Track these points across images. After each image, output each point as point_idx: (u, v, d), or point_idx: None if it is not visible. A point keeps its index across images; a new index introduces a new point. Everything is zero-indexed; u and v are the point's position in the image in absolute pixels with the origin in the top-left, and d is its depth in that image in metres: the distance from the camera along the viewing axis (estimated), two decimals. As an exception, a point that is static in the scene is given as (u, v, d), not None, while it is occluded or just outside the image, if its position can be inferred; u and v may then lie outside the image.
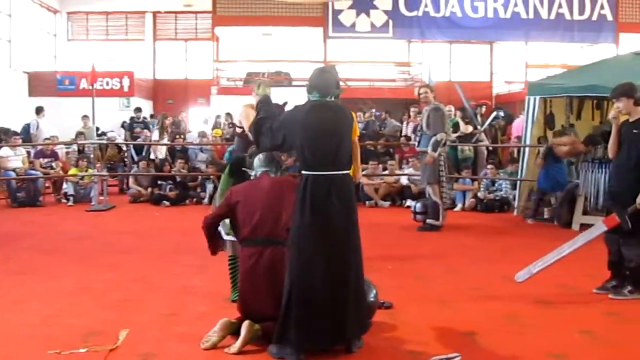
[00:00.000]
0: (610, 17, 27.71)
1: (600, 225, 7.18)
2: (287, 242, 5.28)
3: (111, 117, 21.96)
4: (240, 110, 7.95)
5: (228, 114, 21.47)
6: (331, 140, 5.19)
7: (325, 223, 5.09)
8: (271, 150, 5.66)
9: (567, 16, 27.73)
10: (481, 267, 8.64)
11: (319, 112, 5.30)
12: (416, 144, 11.99)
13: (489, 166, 14.60)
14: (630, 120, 7.05)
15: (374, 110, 20.67)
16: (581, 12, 27.69)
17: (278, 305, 5.20)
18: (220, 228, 6.34)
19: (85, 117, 17.92)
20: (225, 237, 6.34)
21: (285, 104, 7.41)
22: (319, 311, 5.03)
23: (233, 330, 5.38)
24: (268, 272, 5.36)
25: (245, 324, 5.28)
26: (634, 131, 6.93)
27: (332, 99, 5.42)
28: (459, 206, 14.23)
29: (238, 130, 8.09)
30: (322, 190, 5.11)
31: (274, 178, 5.73)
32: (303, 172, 5.19)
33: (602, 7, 27.67)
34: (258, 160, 5.86)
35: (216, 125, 21.03)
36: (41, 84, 25.52)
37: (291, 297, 5.06)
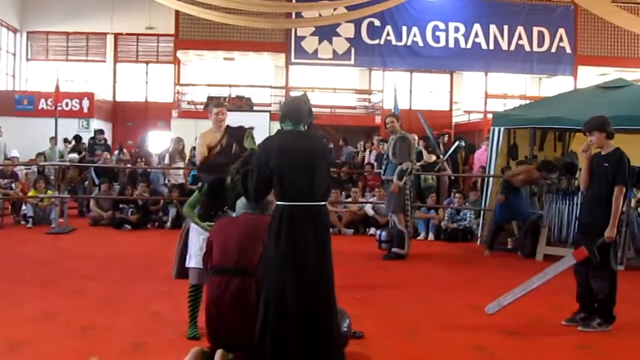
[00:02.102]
0: (569, 50, 28.12)
1: (569, 258, 7.23)
2: (256, 272, 5.22)
3: (70, 138, 21.65)
4: (198, 140, 7.90)
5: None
6: (307, 170, 5.12)
7: (299, 256, 5.01)
8: (261, 190, 5.39)
9: (527, 48, 28.09)
10: (448, 296, 8.64)
11: (292, 141, 5.25)
12: (382, 172, 12.01)
13: (457, 195, 14.65)
14: (602, 153, 7.16)
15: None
16: (540, 44, 28.08)
17: (245, 334, 5.15)
18: (188, 256, 6.30)
19: (52, 138, 17.61)
20: (188, 264, 6.29)
21: (251, 129, 7.39)
22: (289, 345, 4.96)
23: (206, 359, 5.30)
24: (235, 302, 5.28)
25: (218, 353, 5.21)
26: (605, 164, 7.03)
27: (305, 127, 5.37)
28: (422, 235, 14.23)
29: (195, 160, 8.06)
30: (298, 222, 5.03)
31: (253, 216, 5.67)
32: (278, 202, 5.11)
33: (561, 40, 28.08)
34: (241, 202, 5.79)
35: (177, 149, 20.85)
36: (-1, 104, 25.20)
37: (264, 329, 4.99)
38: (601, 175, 7.06)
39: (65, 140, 20.39)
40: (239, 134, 7.57)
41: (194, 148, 19.18)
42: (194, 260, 6.25)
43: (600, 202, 7.03)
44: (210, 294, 5.48)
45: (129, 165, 17.69)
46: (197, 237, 6.29)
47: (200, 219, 6.30)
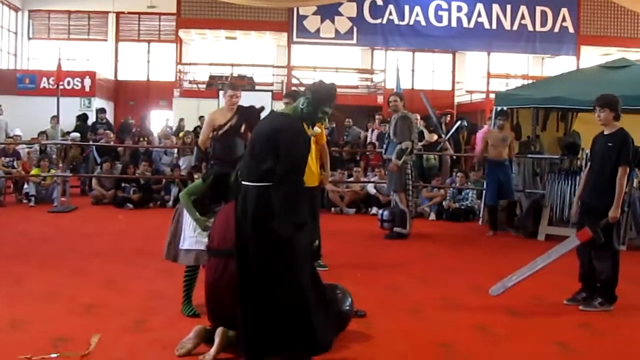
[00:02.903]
0: (571, 30, 28.07)
1: (573, 239, 7.23)
2: None
3: (72, 117, 21.63)
4: (206, 119, 7.91)
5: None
6: (251, 150, 5.05)
7: (237, 235, 5.04)
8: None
9: (530, 27, 28.06)
10: (450, 276, 8.65)
11: (261, 122, 5.33)
12: (383, 151, 11.99)
13: (459, 174, 14.64)
14: (605, 133, 7.13)
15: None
16: (543, 24, 28.02)
17: None
18: (182, 238, 6.30)
19: (54, 117, 17.56)
20: (181, 246, 6.29)
21: (262, 109, 7.39)
22: (242, 322, 5.01)
23: (207, 337, 5.33)
24: (233, 284, 5.26)
25: (218, 331, 5.22)
26: (609, 144, 7.01)
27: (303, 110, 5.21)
28: (433, 215, 14.23)
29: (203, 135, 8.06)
30: (239, 200, 5.06)
31: None
32: None
33: (564, 20, 28.03)
34: None
35: (180, 129, 20.89)
36: (1, 82, 25.13)
37: None
38: (604, 155, 7.04)
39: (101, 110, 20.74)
40: (250, 115, 7.59)
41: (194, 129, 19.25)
42: (187, 242, 6.25)
43: (604, 183, 7.00)
44: (209, 276, 5.52)
45: (131, 144, 17.63)
46: (190, 219, 6.29)
47: (195, 207, 6.30)
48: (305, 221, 4.84)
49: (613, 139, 7.02)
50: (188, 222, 6.31)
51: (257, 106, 7.75)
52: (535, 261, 7.37)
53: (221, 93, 7.81)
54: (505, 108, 12.55)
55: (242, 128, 7.48)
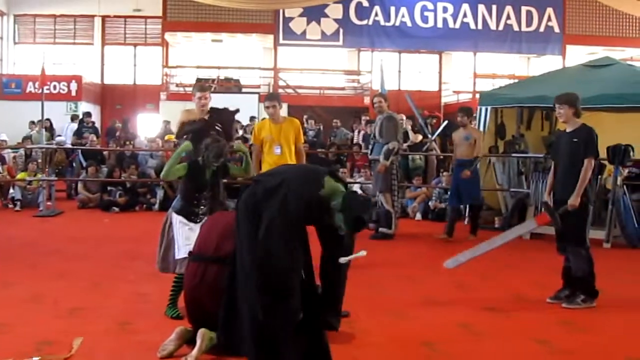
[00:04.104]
0: (557, 29, 28.14)
1: (531, 222, 7.37)
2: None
3: (58, 121, 21.60)
4: (181, 116, 7.90)
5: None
6: None
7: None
8: None
9: (515, 27, 28.11)
10: (434, 275, 8.66)
11: None
12: (369, 152, 12.02)
13: (445, 173, 14.67)
14: (568, 130, 7.28)
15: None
16: (529, 24, 28.09)
17: None
18: (176, 248, 6.32)
19: (37, 122, 17.51)
20: (178, 256, 6.30)
21: (236, 111, 7.39)
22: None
23: (189, 338, 5.34)
24: (212, 290, 5.32)
25: (200, 332, 5.23)
26: (574, 139, 7.09)
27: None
28: (419, 215, 14.24)
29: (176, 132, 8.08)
30: None
31: None
32: None
33: (549, 19, 28.10)
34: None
35: (166, 132, 20.84)
36: (-14, 87, 25.11)
37: None
38: (572, 151, 7.13)
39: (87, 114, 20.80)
40: (223, 116, 7.56)
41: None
42: (182, 251, 6.25)
43: (573, 177, 7.07)
44: (188, 281, 5.56)
45: (116, 148, 17.60)
46: (182, 228, 6.33)
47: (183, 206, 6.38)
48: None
49: (578, 135, 7.13)
50: (180, 232, 6.33)
51: (235, 108, 7.70)
52: (493, 240, 7.48)
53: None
54: (487, 108, 12.55)
55: (210, 129, 7.40)
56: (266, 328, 4.60)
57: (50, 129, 19.66)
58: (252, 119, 20.65)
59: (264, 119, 9.26)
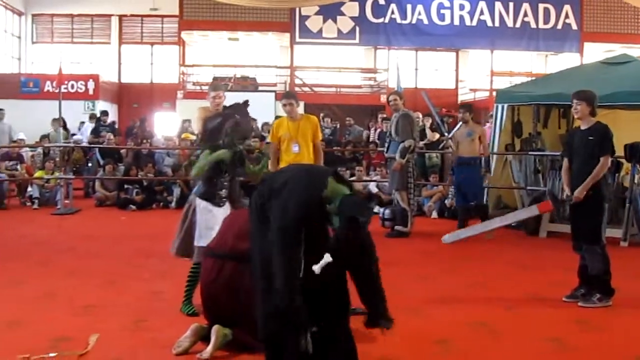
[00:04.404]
0: (575, 27, 28.02)
1: (533, 208, 7.34)
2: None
3: (76, 120, 21.68)
4: (197, 114, 7.93)
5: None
6: None
7: None
8: None
9: (533, 25, 28.00)
10: (449, 274, 8.65)
11: None
12: (385, 150, 12.00)
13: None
14: (583, 127, 7.22)
15: None
16: (546, 21, 27.97)
17: (241, 314, 5.23)
18: (197, 235, 6.32)
19: (55, 120, 17.56)
20: (197, 243, 6.31)
21: (246, 102, 7.39)
22: None
23: (204, 335, 5.35)
24: (228, 286, 5.32)
25: (214, 329, 5.25)
26: (590, 137, 7.05)
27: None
28: (435, 214, 14.19)
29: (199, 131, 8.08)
30: None
31: None
32: None
33: (567, 17, 27.98)
34: None
35: (184, 130, 20.89)
36: (5, 86, 25.19)
37: None
38: (587, 149, 7.08)
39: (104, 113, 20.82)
40: (238, 112, 7.58)
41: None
42: (202, 240, 6.25)
43: (588, 175, 7.04)
44: (204, 277, 5.55)
45: (133, 146, 17.66)
46: (206, 215, 6.32)
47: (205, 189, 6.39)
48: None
49: (594, 133, 7.08)
50: (202, 218, 6.34)
51: (245, 99, 7.71)
52: (493, 220, 7.48)
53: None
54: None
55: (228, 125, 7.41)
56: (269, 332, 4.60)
57: (64, 128, 19.73)
58: (277, 117, 20.66)
59: (278, 117, 9.25)
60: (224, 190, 6.42)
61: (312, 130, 8.75)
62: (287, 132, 8.77)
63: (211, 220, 6.23)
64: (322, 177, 4.65)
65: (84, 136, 19.69)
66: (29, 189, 15.43)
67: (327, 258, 4.43)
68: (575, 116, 7.31)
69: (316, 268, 4.42)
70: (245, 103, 7.25)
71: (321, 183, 4.57)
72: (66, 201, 14.58)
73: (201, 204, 6.36)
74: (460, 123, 12.15)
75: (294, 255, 4.44)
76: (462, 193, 11.72)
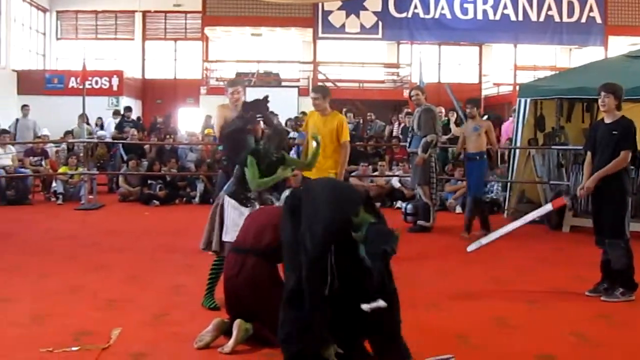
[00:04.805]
0: (599, 20, 27.80)
1: (548, 206, 7.33)
2: (271, 256, 5.32)
3: (100, 116, 21.81)
4: (217, 113, 7.98)
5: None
6: None
7: None
8: None
9: (556, 18, 27.81)
10: (471, 268, 8.64)
11: None
12: (407, 144, 11.98)
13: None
14: (607, 121, 7.17)
15: None
16: (570, 14, 27.77)
17: (262, 310, 5.31)
18: (224, 229, 6.35)
19: (80, 116, 17.67)
20: (224, 238, 6.34)
21: (266, 98, 7.40)
22: None
23: (226, 329, 5.39)
24: (249, 281, 5.36)
25: (236, 324, 5.28)
26: (614, 132, 7.01)
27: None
28: (458, 208, 14.08)
29: (217, 133, 8.14)
30: None
31: None
32: None
33: (591, 10, 27.77)
34: (284, 195, 5.97)
35: (207, 125, 20.97)
36: (30, 83, 25.43)
37: None
38: (610, 143, 7.03)
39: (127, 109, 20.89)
40: (258, 107, 7.60)
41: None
42: (229, 235, 6.30)
43: None
44: (226, 272, 5.59)
45: (157, 142, 17.74)
46: (233, 212, 6.36)
47: (236, 190, 6.42)
48: None
49: (617, 127, 7.03)
50: (230, 216, 6.38)
51: (265, 95, 7.73)
52: (513, 223, 7.52)
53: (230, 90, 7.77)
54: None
55: (250, 124, 7.44)
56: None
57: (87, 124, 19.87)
58: (303, 114, 20.64)
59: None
60: (253, 193, 6.46)
61: (336, 128, 8.75)
62: (314, 125, 8.84)
63: (239, 217, 6.27)
64: (353, 203, 4.65)
65: (107, 132, 19.81)
66: (54, 184, 15.55)
67: (381, 303, 4.41)
68: (602, 109, 7.24)
69: (365, 307, 4.41)
70: (265, 99, 7.27)
71: (351, 209, 4.57)
72: (90, 196, 14.67)
73: (230, 202, 6.40)
74: (486, 117, 12.06)
75: (319, 282, 4.48)
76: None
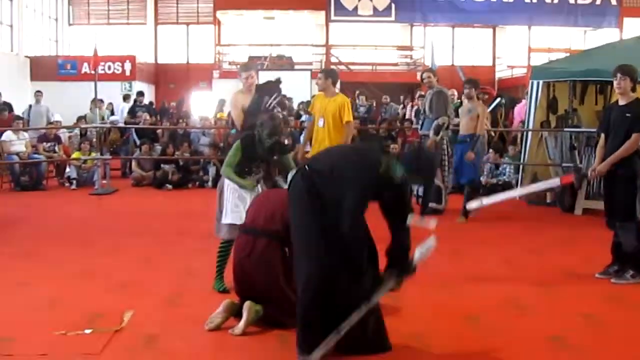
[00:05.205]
0: (614, 2, 27.66)
1: (556, 180, 7.34)
2: (283, 238, 5.33)
3: (113, 101, 21.86)
4: (231, 97, 8.04)
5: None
6: None
7: None
8: None
9: (571, 0, 27.61)
10: (482, 250, 8.67)
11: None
12: (419, 127, 11.96)
13: (490, 151, 14.50)
14: (621, 103, 7.12)
15: None
16: (585, -4, 27.63)
17: (271, 291, 5.37)
18: (224, 213, 6.40)
19: (93, 101, 17.72)
20: (224, 221, 6.39)
21: (278, 80, 7.43)
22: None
23: (236, 311, 5.43)
24: (259, 262, 5.39)
25: (246, 305, 5.32)
26: (627, 114, 6.96)
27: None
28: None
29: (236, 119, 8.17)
30: None
31: None
32: None
33: (606, -9, 27.60)
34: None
35: (220, 109, 20.98)
36: (43, 69, 25.50)
37: None
38: (623, 125, 6.99)
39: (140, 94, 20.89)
40: (271, 90, 7.65)
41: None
42: (229, 217, 6.37)
43: None
44: (237, 252, 5.61)
45: (169, 126, 17.77)
46: (232, 195, 6.41)
47: (240, 175, 6.42)
48: None
49: (632, 109, 6.98)
50: (229, 199, 6.42)
51: (277, 77, 7.77)
52: (516, 189, 7.58)
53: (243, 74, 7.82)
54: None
55: (263, 103, 7.50)
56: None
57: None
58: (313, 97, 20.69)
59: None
60: (253, 176, 6.48)
61: (338, 109, 8.81)
62: (319, 106, 8.94)
63: (239, 200, 6.32)
64: (374, 157, 4.81)
65: (119, 117, 19.86)
66: (67, 169, 15.61)
67: (432, 242, 5.09)
68: (617, 91, 7.19)
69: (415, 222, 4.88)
70: (278, 80, 7.30)
71: (376, 162, 4.73)
72: (103, 181, 14.72)
73: (229, 185, 6.44)
74: (498, 100, 11.94)
75: (362, 230, 4.80)
76: (458, 171, 11.33)
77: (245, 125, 7.61)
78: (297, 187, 4.84)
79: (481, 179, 13.96)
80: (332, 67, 25.28)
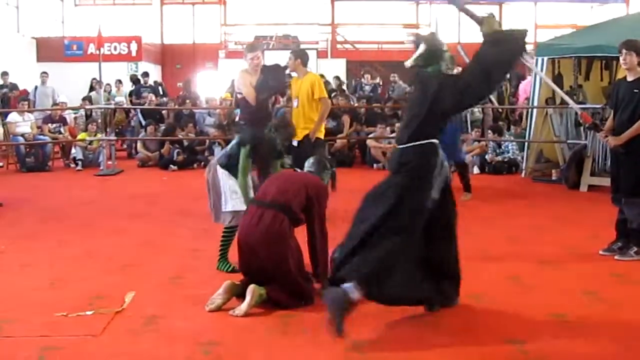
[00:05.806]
0: (620, -23, 27.45)
1: (578, 107, 7.61)
2: (291, 212, 5.45)
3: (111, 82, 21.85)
4: (238, 76, 8.05)
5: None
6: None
7: None
8: None
9: (577, -24, 27.48)
10: (486, 228, 8.66)
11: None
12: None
13: (489, 131, 14.45)
14: (629, 78, 7.02)
15: None
16: (591, -30, 27.45)
17: (275, 268, 5.36)
18: (224, 200, 6.40)
19: (97, 82, 17.68)
20: (225, 209, 6.39)
21: (285, 67, 7.44)
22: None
23: (237, 292, 5.43)
24: (266, 233, 5.38)
25: (250, 289, 5.30)
26: (635, 90, 6.89)
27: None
28: (476, 169, 14.00)
29: (239, 96, 8.18)
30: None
31: (308, 174, 5.98)
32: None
33: (612, -35, 27.41)
34: (308, 163, 6.06)
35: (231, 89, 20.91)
36: (49, 50, 25.50)
37: None
38: (631, 101, 6.92)
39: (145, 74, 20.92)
40: (276, 74, 7.68)
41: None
42: (230, 204, 6.37)
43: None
44: (245, 223, 5.61)
45: (174, 107, 17.74)
46: (228, 181, 6.43)
47: (229, 164, 6.46)
48: None
49: (638, 85, 6.89)
50: (226, 185, 6.42)
51: (276, 63, 7.81)
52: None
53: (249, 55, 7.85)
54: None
55: (269, 84, 7.54)
56: None
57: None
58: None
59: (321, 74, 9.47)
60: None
61: (310, 88, 8.83)
62: (294, 89, 9.09)
63: (234, 185, 6.34)
64: None
65: (125, 98, 19.85)
66: (73, 150, 15.63)
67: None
68: (624, 67, 7.11)
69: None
70: (285, 68, 7.33)
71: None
72: (109, 162, 14.74)
73: (222, 172, 6.44)
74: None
75: None
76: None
77: (257, 102, 7.68)
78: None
79: (487, 156, 13.95)
80: (338, 46, 25.29)
